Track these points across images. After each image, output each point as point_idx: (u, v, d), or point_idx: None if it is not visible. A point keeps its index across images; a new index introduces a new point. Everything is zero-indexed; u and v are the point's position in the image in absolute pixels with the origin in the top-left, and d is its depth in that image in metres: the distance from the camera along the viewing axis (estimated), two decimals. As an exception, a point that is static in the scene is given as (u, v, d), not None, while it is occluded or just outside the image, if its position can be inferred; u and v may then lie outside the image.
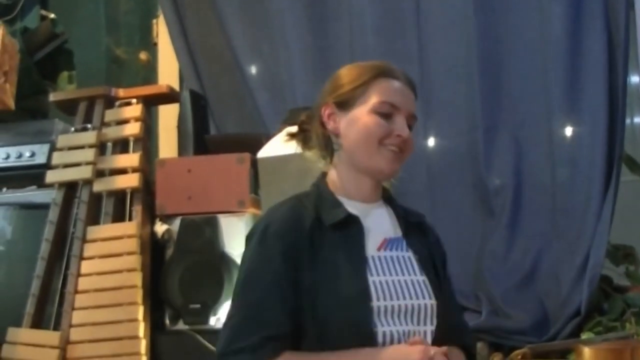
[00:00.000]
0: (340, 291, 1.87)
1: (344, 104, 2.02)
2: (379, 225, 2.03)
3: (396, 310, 1.91)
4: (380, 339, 1.87)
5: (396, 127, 1.97)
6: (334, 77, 2.09)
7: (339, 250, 1.92)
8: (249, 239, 2.01)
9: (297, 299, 1.87)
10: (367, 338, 1.86)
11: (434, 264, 2.10)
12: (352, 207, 2.01)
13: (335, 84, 2.06)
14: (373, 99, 1.98)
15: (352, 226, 1.97)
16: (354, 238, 1.96)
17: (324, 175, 2.09)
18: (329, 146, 2.08)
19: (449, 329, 2.03)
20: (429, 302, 1.97)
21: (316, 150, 2.11)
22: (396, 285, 1.94)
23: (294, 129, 2.20)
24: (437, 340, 1.97)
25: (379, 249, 1.99)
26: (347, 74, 2.06)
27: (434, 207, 3.60)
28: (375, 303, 1.88)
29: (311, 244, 1.91)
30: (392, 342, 1.88)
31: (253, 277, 1.92)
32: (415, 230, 2.11)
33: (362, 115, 1.98)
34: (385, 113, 1.98)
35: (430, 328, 1.97)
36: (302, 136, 2.16)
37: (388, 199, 2.12)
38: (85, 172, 3.31)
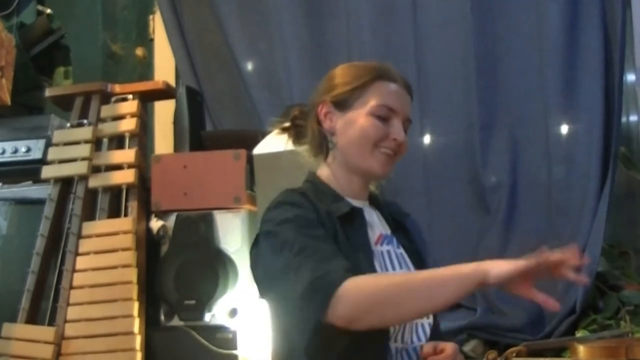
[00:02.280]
0: None
1: (342, 104, 2.02)
2: (372, 221, 2.04)
3: None
4: (390, 330, 1.88)
5: (393, 130, 1.98)
6: (332, 75, 2.08)
7: (347, 242, 1.92)
8: (268, 213, 1.94)
9: None
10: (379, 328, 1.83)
11: (421, 261, 2.12)
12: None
13: (333, 83, 2.06)
14: (371, 102, 1.98)
15: (356, 219, 1.98)
16: (359, 231, 1.97)
17: (313, 172, 2.09)
18: (323, 144, 2.08)
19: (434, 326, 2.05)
20: None
21: (309, 146, 2.11)
22: None
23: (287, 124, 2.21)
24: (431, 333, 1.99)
25: (376, 244, 2.00)
26: (345, 73, 2.06)
27: (430, 204, 3.60)
28: None
29: (331, 228, 1.91)
30: (397, 334, 1.89)
31: (304, 221, 1.85)
32: (401, 228, 2.14)
33: (360, 117, 1.99)
34: (382, 116, 1.98)
35: (427, 321, 1.99)
36: (294, 131, 2.16)
37: (374, 200, 2.13)
38: (81, 168, 3.30)
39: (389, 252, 2.01)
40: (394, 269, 1.98)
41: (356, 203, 2.02)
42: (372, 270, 1.89)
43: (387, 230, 2.08)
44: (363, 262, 1.89)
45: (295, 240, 1.81)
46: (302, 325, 1.79)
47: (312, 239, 1.81)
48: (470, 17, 3.60)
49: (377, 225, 2.05)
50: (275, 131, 2.23)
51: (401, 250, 2.05)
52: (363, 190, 2.07)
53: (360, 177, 2.04)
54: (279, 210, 1.92)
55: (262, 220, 1.97)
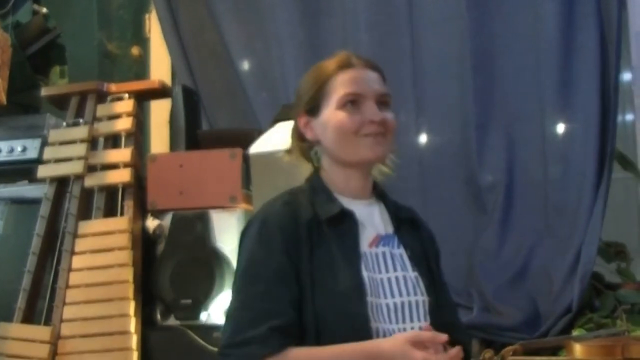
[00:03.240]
0: (337, 286, 1.87)
1: (314, 110, 2.03)
2: (370, 221, 2.03)
3: (391, 308, 1.91)
4: (374, 335, 1.87)
5: (366, 114, 1.96)
6: (299, 86, 2.09)
7: (334, 246, 1.92)
8: (245, 233, 2.01)
9: (298, 291, 1.88)
10: (363, 333, 1.85)
11: (427, 260, 2.09)
12: (345, 201, 2.00)
13: (301, 92, 2.07)
14: (335, 95, 1.98)
15: (346, 221, 1.97)
16: (349, 233, 1.96)
17: (317, 169, 2.09)
18: (309, 157, 2.09)
19: (443, 326, 2.03)
20: (421, 298, 1.98)
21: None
22: (391, 282, 1.95)
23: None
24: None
25: (370, 246, 1.99)
26: (308, 78, 2.06)
27: (426, 204, 3.60)
28: (369, 299, 1.88)
29: (309, 238, 1.92)
30: None
31: (257, 268, 1.91)
32: (407, 226, 2.10)
33: (331, 115, 1.99)
34: (351, 104, 1.97)
35: (423, 325, 1.96)
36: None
37: (380, 194, 2.12)
38: (76, 167, 3.30)
39: (384, 253, 1.99)
40: (387, 271, 1.96)
41: (352, 203, 2.01)
42: (356, 275, 1.89)
43: (388, 229, 2.06)
44: (343, 269, 1.89)
45: (246, 284, 1.91)
46: None
47: (262, 284, 1.87)
48: (466, 16, 3.60)
49: (373, 226, 2.03)
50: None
51: (401, 251, 2.03)
52: (363, 186, 2.05)
53: (357, 171, 2.03)
54: (253, 230, 1.97)
55: (245, 225, 2.04)
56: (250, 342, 1.81)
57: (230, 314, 1.90)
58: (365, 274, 1.91)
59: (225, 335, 1.86)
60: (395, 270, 1.98)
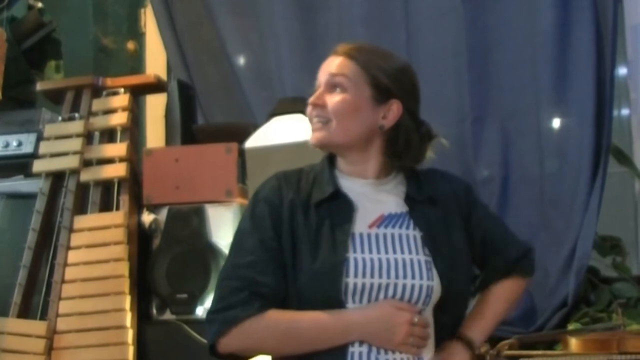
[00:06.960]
0: (315, 266, 1.89)
1: None
2: (375, 201, 2.00)
3: (375, 289, 1.88)
4: None
5: None
6: None
7: (323, 226, 1.94)
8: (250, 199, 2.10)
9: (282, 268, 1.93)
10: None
11: (449, 239, 2.01)
12: (349, 182, 2.02)
13: None
14: None
15: (339, 202, 1.98)
16: (341, 214, 1.96)
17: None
18: None
19: (498, 268, 2.11)
20: (422, 282, 1.90)
21: None
22: (382, 263, 1.90)
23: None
24: (442, 324, 1.97)
25: (371, 226, 1.96)
26: None
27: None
28: (351, 280, 1.87)
29: (291, 218, 1.96)
30: None
31: (244, 240, 1.97)
32: (424, 205, 2.03)
33: None
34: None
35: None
36: None
37: (407, 173, 2.09)
38: (72, 162, 3.29)
39: (385, 235, 1.95)
40: (386, 252, 1.93)
41: (354, 182, 2.02)
42: (338, 255, 1.89)
43: (399, 209, 2.01)
44: (326, 250, 1.91)
45: (233, 255, 1.99)
46: None
47: (248, 255, 1.94)
48: (461, 10, 3.60)
49: (377, 205, 2.00)
50: None
51: (411, 232, 1.97)
52: (360, 167, 2.04)
53: (340, 153, 2.06)
54: (249, 203, 2.05)
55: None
56: (232, 306, 1.87)
57: (217, 283, 1.97)
58: (352, 255, 1.90)
59: (212, 303, 1.94)
60: (395, 252, 1.93)
